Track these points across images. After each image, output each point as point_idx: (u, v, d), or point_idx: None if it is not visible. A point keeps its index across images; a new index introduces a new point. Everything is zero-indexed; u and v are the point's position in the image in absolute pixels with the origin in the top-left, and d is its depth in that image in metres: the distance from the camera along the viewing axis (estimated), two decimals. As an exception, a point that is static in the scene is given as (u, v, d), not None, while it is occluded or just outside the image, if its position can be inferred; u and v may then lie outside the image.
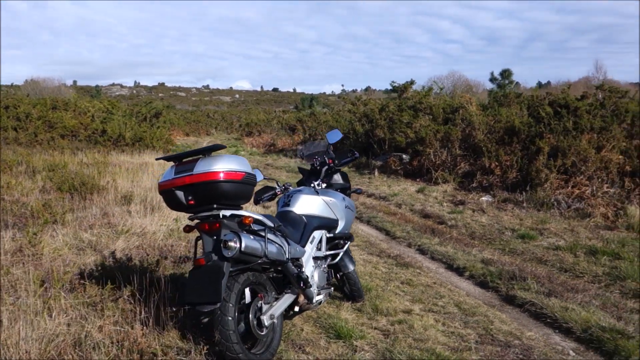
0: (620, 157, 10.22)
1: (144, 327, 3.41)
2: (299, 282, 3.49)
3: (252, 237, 3.14)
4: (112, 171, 10.69)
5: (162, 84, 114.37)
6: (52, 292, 3.75)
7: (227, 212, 3.19)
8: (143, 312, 3.55)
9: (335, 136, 4.50)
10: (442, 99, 15.43)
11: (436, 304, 4.59)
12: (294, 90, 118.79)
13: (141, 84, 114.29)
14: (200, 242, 3.43)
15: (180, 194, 3.13)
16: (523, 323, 4.37)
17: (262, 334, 3.28)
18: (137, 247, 5.81)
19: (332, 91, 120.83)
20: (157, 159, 3.73)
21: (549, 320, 4.37)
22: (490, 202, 9.46)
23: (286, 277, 3.62)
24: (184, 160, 3.27)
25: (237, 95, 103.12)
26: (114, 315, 3.69)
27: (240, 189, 3.17)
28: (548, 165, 9.83)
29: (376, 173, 13.39)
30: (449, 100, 15.07)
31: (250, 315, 3.23)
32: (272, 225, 3.42)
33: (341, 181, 4.47)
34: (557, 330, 4.22)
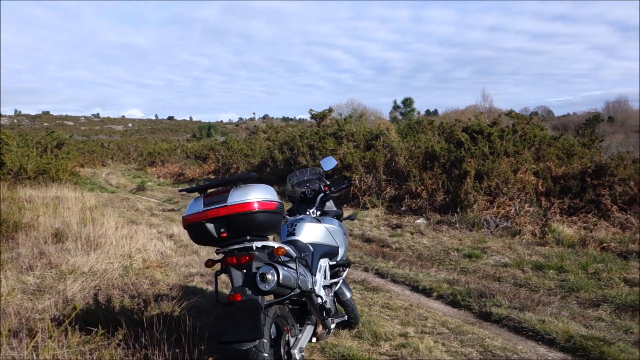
0: (534, 178, 11.08)
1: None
2: (321, 312, 3.45)
3: (285, 268, 3.07)
4: (29, 207, 9.92)
5: (47, 113, 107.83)
6: (44, 344, 3.41)
7: (259, 244, 3.10)
8: (160, 356, 3.32)
9: (330, 163, 4.53)
10: (362, 125, 15.92)
11: (425, 326, 4.70)
12: (190, 118, 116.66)
13: (22, 112, 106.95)
14: (220, 277, 3.31)
15: (211, 226, 2.99)
16: (507, 338, 4.57)
17: (292, 368, 3.20)
18: (94, 288, 5.43)
19: (230, 119, 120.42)
20: (180, 191, 3.54)
21: (530, 334, 4.61)
22: (426, 225, 9.83)
23: (303, 308, 3.57)
24: (210, 191, 3.15)
25: (130, 124, 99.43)
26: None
27: (273, 219, 3.09)
28: (475, 187, 10.42)
29: (303, 200, 13.47)
30: (368, 127, 15.56)
31: (281, 350, 3.14)
32: (297, 255, 3.37)
33: (334, 208, 4.49)
34: (540, 342, 4.46)
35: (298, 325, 3.43)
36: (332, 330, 3.80)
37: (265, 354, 2.92)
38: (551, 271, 6.46)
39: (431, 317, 4.97)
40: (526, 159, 11.63)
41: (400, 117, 33.25)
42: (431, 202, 11.19)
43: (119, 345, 3.66)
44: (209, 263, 3.25)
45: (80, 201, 11.88)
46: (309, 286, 3.35)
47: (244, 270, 3.07)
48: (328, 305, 3.48)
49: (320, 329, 3.60)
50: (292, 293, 3.11)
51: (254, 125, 29.93)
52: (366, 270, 7.03)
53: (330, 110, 17.16)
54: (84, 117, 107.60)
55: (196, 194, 3.19)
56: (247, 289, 3.00)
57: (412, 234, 9.22)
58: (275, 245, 3.17)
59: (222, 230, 2.99)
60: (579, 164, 11.96)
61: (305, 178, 4.60)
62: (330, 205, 4.46)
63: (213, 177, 22.10)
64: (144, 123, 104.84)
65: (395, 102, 38.96)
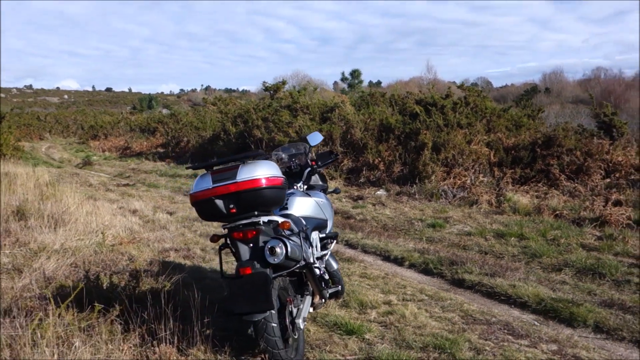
0: (486, 149, 11.48)
1: (169, 345, 3.24)
2: (321, 283, 3.56)
3: (291, 241, 3.16)
4: (-21, 184, 9.51)
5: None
6: (46, 321, 3.37)
7: (265, 218, 3.17)
8: (166, 330, 3.35)
9: (316, 138, 4.59)
10: (317, 98, 15.95)
11: (406, 293, 4.90)
12: (130, 90, 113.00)
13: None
14: (223, 251, 3.37)
15: (220, 202, 3.05)
16: (482, 303, 4.83)
17: (296, 337, 3.31)
18: (71, 265, 5.35)
19: (171, 91, 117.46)
20: (187, 168, 3.55)
21: (502, 298, 4.88)
22: (387, 196, 10.07)
23: (300, 280, 3.67)
24: (216, 168, 3.19)
25: (66, 96, 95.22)
26: (112, 341, 3.43)
27: (279, 195, 3.17)
28: (432, 159, 10.72)
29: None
30: (322, 100, 15.62)
31: (286, 321, 3.24)
32: (299, 229, 3.45)
33: (320, 182, 4.57)
34: (512, 306, 4.74)
35: (299, 296, 3.54)
36: (327, 300, 3.93)
37: (274, 324, 3.04)
38: (512, 238, 6.80)
39: (409, 285, 5.18)
40: (478, 131, 12.02)
41: (347, 89, 33.39)
42: (389, 174, 11.43)
43: (116, 320, 3.66)
44: (215, 238, 3.30)
45: (32, 177, 11.49)
46: (310, 258, 3.46)
47: (251, 245, 3.14)
48: (326, 276, 3.60)
49: (317, 299, 3.73)
50: (297, 265, 3.21)
51: (202, 98, 29.28)
52: (336, 241, 7.17)
53: (284, 82, 17.12)
54: (16, 88, 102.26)
55: (200, 171, 3.22)
56: (255, 262, 3.08)
57: (374, 205, 9.43)
58: (280, 219, 3.25)
59: (231, 206, 3.05)
60: (527, 135, 12.47)
61: (291, 153, 4.65)
62: (315, 179, 4.54)
63: (162, 150, 21.64)
64: (81, 95, 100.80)
65: (343, 73, 39.14)
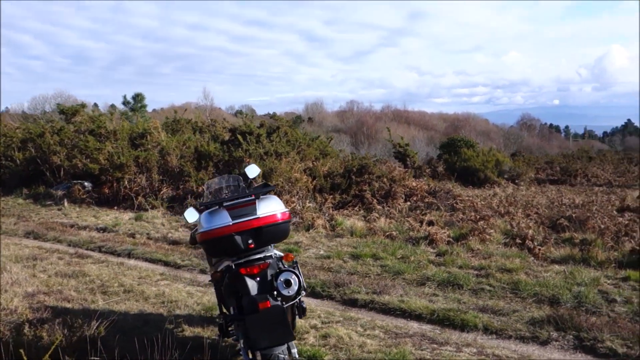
0: (306, 177, 12.28)
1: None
2: (300, 311, 3.67)
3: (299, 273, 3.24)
4: None
5: None
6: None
7: (272, 252, 3.22)
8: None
9: (254, 171, 4.59)
10: (123, 123, 15.07)
11: (321, 316, 5.14)
12: None
13: None
14: (218, 288, 3.28)
15: (239, 238, 3.03)
16: (382, 319, 5.31)
17: (289, 368, 3.37)
18: None
19: None
20: (200, 205, 3.32)
21: (398, 313, 5.44)
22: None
23: None
24: (230, 204, 3.13)
25: None
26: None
27: (289, 228, 3.25)
28: (263, 186, 11.07)
29: (66, 203, 12.26)
30: (129, 125, 14.88)
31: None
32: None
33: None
34: (409, 319, 5.31)
35: None
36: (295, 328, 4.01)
37: (286, 357, 3.09)
38: (368, 259, 7.48)
39: (318, 309, 5.43)
40: (295, 159, 12.79)
41: (130, 113, 31.92)
42: (216, 202, 11.46)
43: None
44: (216, 275, 3.23)
45: None
46: None
47: (258, 279, 3.15)
48: (304, 305, 3.71)
49: (289, 328, 3.81)
50: (300, 296, 3.30)
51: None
52: (202, 272, 7.05)
53: (83, 105, 15.81)
54: None
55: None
56: (268, 295, 3.10)
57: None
58: (282, 253, 3.31)
59: (250, 241, 3.05)
60: (332, 162, 13.66)
61: (224, 185, 4.61)
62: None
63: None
64: None
65: (125, 97, 37.20)
